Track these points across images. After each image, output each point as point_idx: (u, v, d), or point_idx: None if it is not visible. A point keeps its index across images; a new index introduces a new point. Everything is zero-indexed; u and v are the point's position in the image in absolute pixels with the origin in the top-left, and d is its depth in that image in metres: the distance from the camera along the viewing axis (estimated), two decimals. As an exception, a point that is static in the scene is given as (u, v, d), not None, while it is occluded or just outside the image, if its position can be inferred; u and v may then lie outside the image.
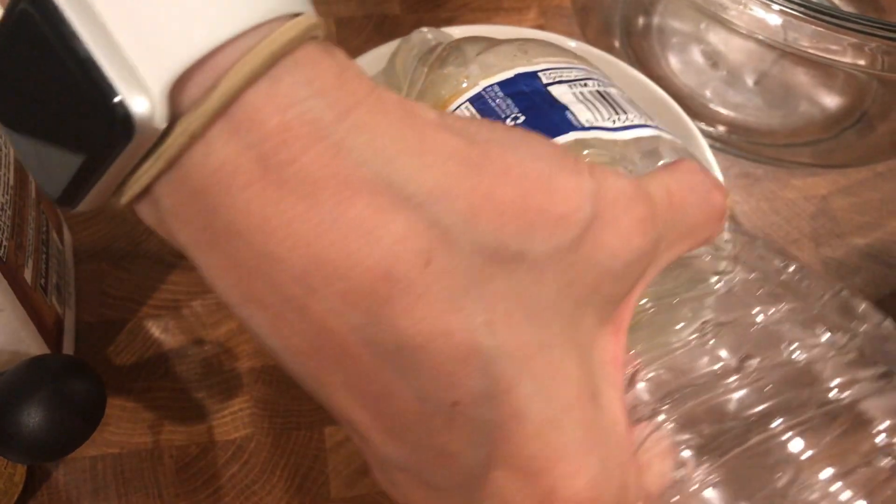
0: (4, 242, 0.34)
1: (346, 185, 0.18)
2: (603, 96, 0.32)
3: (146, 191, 0.19)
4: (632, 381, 0.24)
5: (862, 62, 0.45)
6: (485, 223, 0.18)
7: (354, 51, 0.44)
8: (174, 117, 0.17)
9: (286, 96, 0.18)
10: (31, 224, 0.38)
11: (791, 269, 0.28)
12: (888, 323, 0.26)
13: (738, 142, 0.54)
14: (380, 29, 0.57)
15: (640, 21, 0.58)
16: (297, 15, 0.18)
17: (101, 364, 0.43)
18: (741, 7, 0.44)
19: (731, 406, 0.24)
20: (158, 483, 0.40)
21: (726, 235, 0.28)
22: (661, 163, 0.31)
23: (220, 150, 0.18)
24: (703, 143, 0.43)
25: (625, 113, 0.32)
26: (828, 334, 0.25)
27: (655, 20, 0.58)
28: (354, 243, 0.17)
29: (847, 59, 0.43)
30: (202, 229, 0.19)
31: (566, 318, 0.20)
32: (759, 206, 0.52)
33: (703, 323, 0.25)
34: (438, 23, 0.56)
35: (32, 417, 0.30)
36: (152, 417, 0.41)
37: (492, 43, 0.35)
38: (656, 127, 0.32)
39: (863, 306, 0.26)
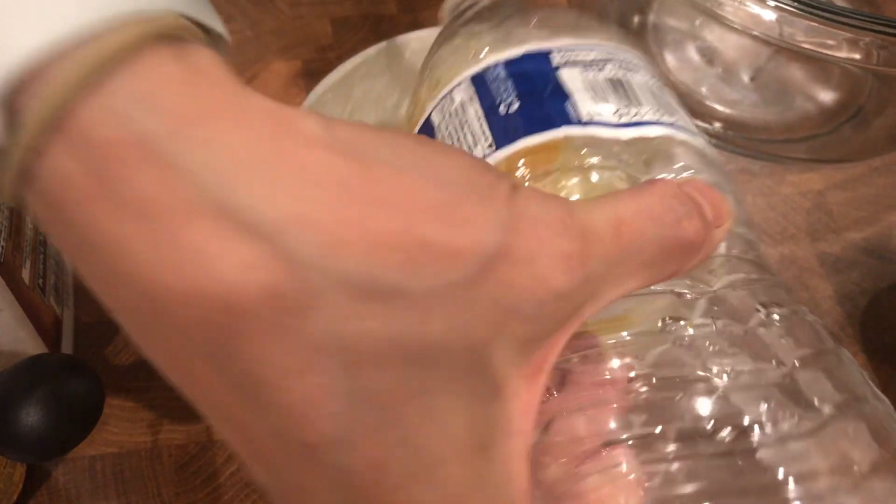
0: (2, 243, 0.34)
1: (184, 208, 0.16)
2: (618, 84, 0.29)
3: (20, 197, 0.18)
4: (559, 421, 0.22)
5: (857, 57, 0.45)
6: (351, 256, 0.16)
7: (351, 51, 0.44)
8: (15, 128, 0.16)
9: (118, 110, 0.16)
10: (28, 224, 0.38)
11: (775, 318, 0.25)
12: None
13: (734, 138, 0.54)
14: (376, 29, 0.58)
15: (636, 19, 0.59)
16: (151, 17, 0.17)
17: (100, 364, 0.43)
18: (736, 3, 0.44)
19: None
20: (158, 482, 0.40)
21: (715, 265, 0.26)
22: (676, 166, 0.28)
23: (62, 164, 0.16)
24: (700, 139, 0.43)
25: (638, 106, 0.29)
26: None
27: (651, 18, 0.58)
28: (193, 272, 0.16)
29: (842, 55, 0.44)
30: (66, 240, 0.18)
31: (457, 362, 0.18)
32: (756, 202, 0.52)
33: (632, 378, 0.23)
34: (435, 23, 0.56)
35: (30, 416, 0.30)
36: (151, 417, 0.42)
37: (519, 8, 0.32)
38: (673, 125, 0.29)
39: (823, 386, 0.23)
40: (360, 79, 0.44)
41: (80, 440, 0.31)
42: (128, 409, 0.42)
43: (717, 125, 0.54)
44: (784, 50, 0.51)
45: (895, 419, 0.24)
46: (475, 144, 0.28)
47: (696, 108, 0.54)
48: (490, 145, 0.28)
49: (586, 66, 0.29)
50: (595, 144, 0.27)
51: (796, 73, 0.56)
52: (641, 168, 0.27)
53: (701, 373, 0.23)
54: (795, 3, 0.42)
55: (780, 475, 0.21)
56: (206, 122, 0.16)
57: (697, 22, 0.57)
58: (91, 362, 0.42)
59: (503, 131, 0.28)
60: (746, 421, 0.22)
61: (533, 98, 0.29)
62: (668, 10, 0.58)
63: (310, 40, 0.56)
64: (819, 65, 0.55)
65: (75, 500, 0.39)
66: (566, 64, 0.29)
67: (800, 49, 0.44)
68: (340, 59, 0.46)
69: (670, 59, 0.57)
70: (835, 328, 0.48)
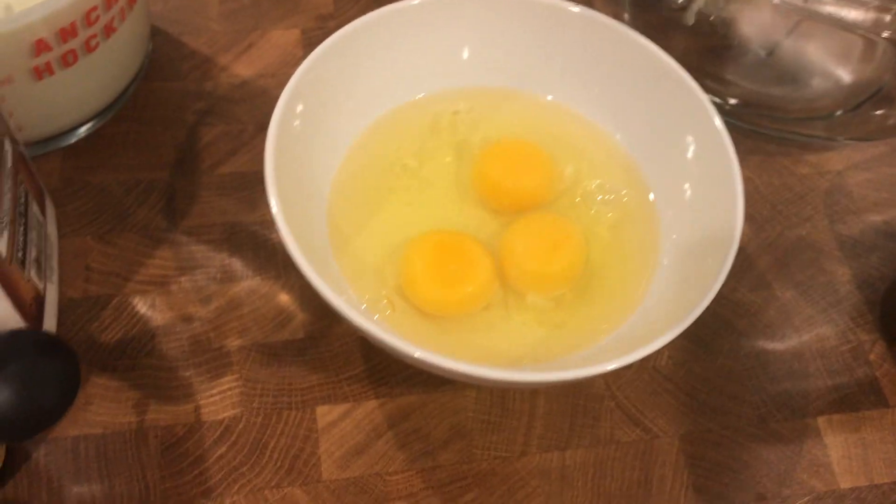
0: (-24, 212, 0.32)
1: None
2: None
3: None
4: None
5: (886, 34, 0.43)
6: None
7: (351, 20, 0.42)
8: None
9: None
10: (6, 195, 0.36)
11: None
12: None
13: (750, 115, 0.52)
14: (379, -3, 0.55)
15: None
16: None
17: (85, 341, 0.41)
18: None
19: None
20: (142, 464, 0.38)
21: None
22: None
23: None
24: (715, 116, 0.40)
25: None
26: None
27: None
28: None
29: (869, 24, 0.41)
30: None
31: None
32: (772, 182, 0.50)
33: None
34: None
35: (2, 394, 0.28)
36: (137, 396, 0.40)
37: None
38: None
39: None
40: (360, 43, 0.42)
41: (56, 421, 0.30)
42: (113, 389, 0.40)
43: (733, 101, 0.52)
44: (803, 24, 0.49)
45: None
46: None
47: (710, 84, 0.52)
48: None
49: None
50: None
51: (815, 49, 0.54)
52: None
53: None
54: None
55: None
56: None
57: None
58: (75, 340, 0.41)
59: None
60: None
61: None
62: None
63: (309, 9, 0.54)
64: (839, 41, 0.52)
65: (56, 482, 0.37)
66: None
67: (824, 19, 0.42)
68: (341, 28, 0.44)
69: (686, 31, 0.55)
70: (853, 314, 0.46)
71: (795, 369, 0.44)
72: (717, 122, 0.40)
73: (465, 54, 0.45)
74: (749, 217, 0.48)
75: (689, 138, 0.42)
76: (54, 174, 0.46)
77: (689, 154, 0.42)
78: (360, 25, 0.42)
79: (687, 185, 0.42)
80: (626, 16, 0.55)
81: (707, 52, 0.53)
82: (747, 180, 0.50)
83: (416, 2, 0.43)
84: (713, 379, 0.43)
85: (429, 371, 0.34)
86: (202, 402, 0.40)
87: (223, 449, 0.39)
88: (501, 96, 0.46)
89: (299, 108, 0.39)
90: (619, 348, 0.38)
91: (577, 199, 0.43)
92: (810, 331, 0.45)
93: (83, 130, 0.47)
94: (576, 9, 0.43)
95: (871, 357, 0.44)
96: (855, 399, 0.43)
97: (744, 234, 0.47)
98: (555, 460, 0.40)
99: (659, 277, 0.41)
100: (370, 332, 0.33)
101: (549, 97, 0.46)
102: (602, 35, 0.43)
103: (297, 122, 0.39)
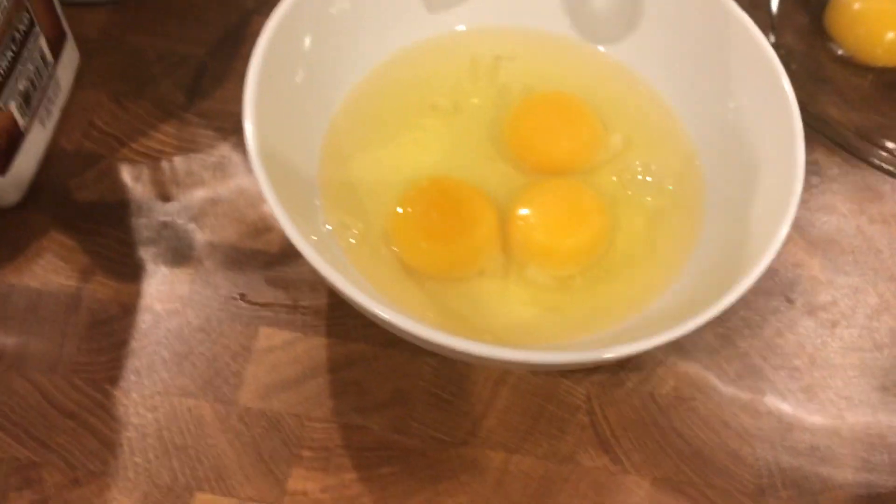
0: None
1: None
2: None
3: None
4: None
5: None
6: None
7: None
8: None
9: None
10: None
11: None
12: None
13: (858, 144, 0.43)
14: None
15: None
16: None
17: (59, 194, 0.39)
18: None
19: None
20: (64, 332, 0.36)
21: None
22: None
23: None
24: (798, 127, 0.33)
25: None
26: None
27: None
28: None
29: None
30: None
31: None
32: (870, 231, 0.41)
33: None
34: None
35: None
36: (87, 262, 0.37)
37: None
38: None
39: None
40: None
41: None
42: (67, 248, 0.38)
43: (843, 129, 0.43)
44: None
45: None
46: None
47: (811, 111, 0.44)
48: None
49: None
50: None
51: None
52: None
53: None
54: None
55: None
56: None
57: None
58: (51, 191, 0.39)
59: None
60: None
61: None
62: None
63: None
64: None
65: (-25, 323, 0.36)
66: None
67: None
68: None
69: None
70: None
71: (823, 447, 0.36)
72: (798, 125, 0.33)
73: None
74: (827, 254, 0.40)
75: (766, 139, 0.35)
76: (95, 25, 0.44)
77: (760, 157, 0.35)
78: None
79: (743, 193, 0.35)
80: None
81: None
82: (843, 217, 0.41)
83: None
84: (718, 427, 0.36)
85: (374, 321, 0.29)
86: (147, 287, 0.37)
87: (148, 341, 0.36)
88: (552, 43, 0.40)
89: (304, 12, 0.35)
90: (606, 342, 0.32)
91: (614, 177, 0.37)
92: (858, 408, 0.36)
93: (137, -12, 0.45)
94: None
95: (926, 460, 0.36)
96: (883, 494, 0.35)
97: (813, 274, 0.39)
98: (497, 460, 0.34)
99: (682, 283, 0.34)
100: (302, 248, 0.29)
101: (611, 53, 0.40)
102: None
103: (304, 24, 0.35)
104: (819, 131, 0.43)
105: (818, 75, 0.45)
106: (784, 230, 0.31)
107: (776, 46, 0.38)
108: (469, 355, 0.28)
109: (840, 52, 0.46)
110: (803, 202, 0.36)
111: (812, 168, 0.41)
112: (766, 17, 0.46)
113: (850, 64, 0.46)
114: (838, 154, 0.43)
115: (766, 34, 0.36)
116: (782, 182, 0.32)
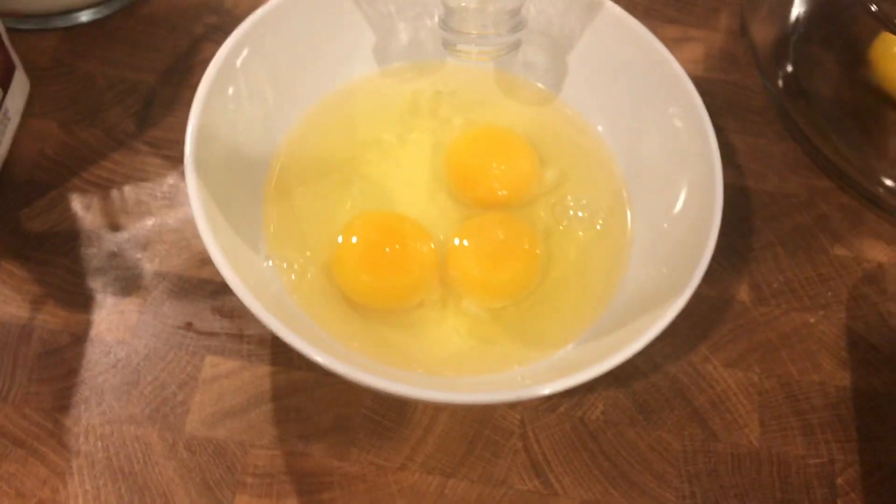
0: None
1: None
2: None
3: None
4: None
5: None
6: None
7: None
8: None
9: None
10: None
11: None
12: None
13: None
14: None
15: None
16: None
17: (10, 224, 0.40)
18: None
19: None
20: (16, 362, 0.37)
21: None
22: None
23: None
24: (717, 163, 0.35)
25: None
26: None
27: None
28: None
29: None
30: None
31: None
32: (797, 255, 0.43)
33: None
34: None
35: None
36: (38, 292, 0.38)
37: None
38: None
39: None
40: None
41: None
42: (17, 279, 0.39)
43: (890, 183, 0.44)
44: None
45: None
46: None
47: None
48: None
49: None
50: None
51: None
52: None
53: None
54: None
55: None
56: None
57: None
58: (2, 218, 0.40)
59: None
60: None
61: None
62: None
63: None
64: None
65: (-74, 354, 0.37)
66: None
67: None
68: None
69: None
70: (836, 426, 0.39)
71: (744, 469, 0.38)
72: (717, 170, 0.35)
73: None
74: (755, 285, 0.42)
75: (684, 183, 0.37)
76: (47, 53, 0.45)
77: (680, 200, 0.36)
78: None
79: (667, 225, 0.36)
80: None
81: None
82: (768, 245, 0.43)
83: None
84: (644, 451, 0.38)
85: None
86: (98, 317, 0.38)
87: (99, 370, 0.37)
88: (492, 79, 0.41)
89: (246, 52, 0.36)
90: (535, 377, 0.34)
91: (548, 211, 0.38)
92: (779, 430, 0.38)
93: (86, 16, 0.45)
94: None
95: (839, 481, 0.38)
96: (801, 522, 0.37)
97: (743, 302, 0.41)
98: (434, 485, 0.36)
99: (612, 313, 0.36)
100: (233, 286, 0.30)
101: (548, 89, 0.41)
102: (621, 36, 0.38)
103: (247, 62, 0.36)
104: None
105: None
106: (704, 262, 0.33)
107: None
108: (401, 396, 0.30)
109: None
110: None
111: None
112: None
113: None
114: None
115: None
116: (704, 212, 0.34)
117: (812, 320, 0.41)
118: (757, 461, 0.38)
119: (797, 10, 0.48)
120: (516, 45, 0.37)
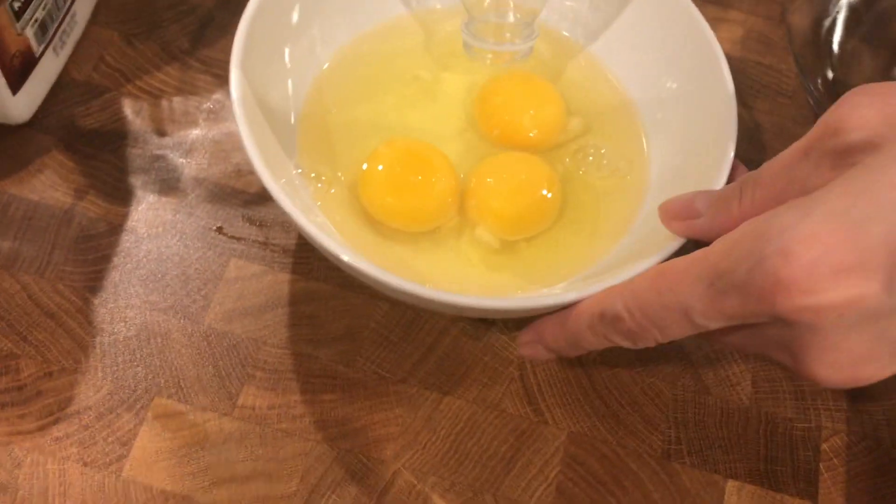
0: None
1: None
2: None
3: None
4: None
5: None
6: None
7: None
8: None
9: None
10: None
11: None
12: None
13: None
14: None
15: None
16: None
17: (65, 119, 0.43)
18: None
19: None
20: (55, 242, 0.39)
21: None
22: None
23: None
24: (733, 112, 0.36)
25: None
26: None
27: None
28: None
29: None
30: None
31: None
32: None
33: None
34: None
35: None
36: (83, 182, 0.41)
37: None
38: None
39: None
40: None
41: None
42: (67, 168, 0.41)
43: None
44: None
45: None
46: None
47: None
48: None
49: None
50: None
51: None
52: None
53: None
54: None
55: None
56: None
57: None
58: (57, 116, 0.42)
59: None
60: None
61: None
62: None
63: None
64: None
65: (-25, 225, 0.39)
66: None
67: None
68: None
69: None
70: (830, 394, 0.40)
71: (733, 423, 0.39)
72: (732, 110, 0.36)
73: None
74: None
75: (707, 123, 0.38)
76: (117, -32, 0.48)
77: (701, 137, 0.38)
78: None
79: (681, 178, 0.38)
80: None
81: None
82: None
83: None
84: (636, 394, 0.39)
85: (334, 263, 0.33)
86: (135, 211, 0.41)
87: (130, 259, 0.39)
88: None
89: None
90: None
91: (569, 157, 0.40)
92: (770, 392, 0.40)
93: (157, -62, 0.48)
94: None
95: (824, 447, 0.39)
96: (782, 479, 0.38)
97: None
98: (430, 400, 0.38)
99: (613, 256, 0.37)
100: (268, 185, 0.32)
101: (581, 42, 0.43)
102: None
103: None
104: None
105: None
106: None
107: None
108: (411, 296, 0.32)
109: None
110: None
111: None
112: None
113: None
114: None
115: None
116: (716, 161, 0.36)
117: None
118: (745, 418, 0.39)
119: (840, 8, 0.49)
120: (529, 51, 0.39)
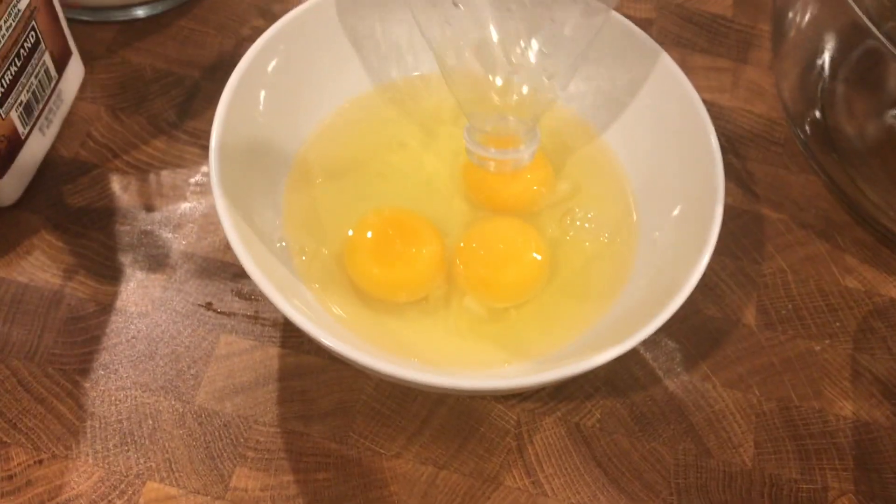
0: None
1: None
2: None
3: None
4: None
5: None
6: None
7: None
8: None
9: None
10: (6, 31, 0.37)
11: None
12: None
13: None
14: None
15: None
16: None
17: (53, 198, 0.42)
18: None
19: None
20: (44, 324, 0.39)
21: None
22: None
23: None
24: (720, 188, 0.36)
25: None
26: None
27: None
28: None
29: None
30: None
31: None
32: (808, 284, 0.44)
33: None
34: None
35: None
36: (71, 262, 0.41)
37: None
38: None
39: None
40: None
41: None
42: (55, 248, 0.41)
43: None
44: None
45: None
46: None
47: None
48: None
49: None
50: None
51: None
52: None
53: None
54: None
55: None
56: None
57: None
58: (45, 195, 0.42)
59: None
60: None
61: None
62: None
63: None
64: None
65: (-37, 311, 0.39)
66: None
67: None
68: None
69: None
70: (833, 454, 0.39)
71: (735, 487, 0.38)
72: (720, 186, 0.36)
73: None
74: (762, 310, 0.42)
75: (689, 204, 0.38)
76: (103, 43, 0.48)
77: (683, 220, 0.37)
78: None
79: (668, 242, 0.37)
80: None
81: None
82: (779, 272, 0.44)
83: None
84: (636, 460, 0.38)
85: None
86: (124, 289, 0.40)
87: (120, 339, 0.39)
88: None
89: (277, 53, 0.39)
90: (521, 373, 0.35)
91: (557, 221, 0.40)
92: (773, 453, 0.39)
93: (143, 11, 0.48)
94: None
95: (831, 508, 0.38)
96: (787, 545, 0.37)
97: (748, 325, 0.42)
98: (426, 475, 0.37)
99: (606, 323, 0.37)
100: (247, 268, 0.32)
101: (567, 105, 0.43)
102: (640, 58, 0.40)
103: (276, 66, 0.39)
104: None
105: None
106: (699, 272, 0.33)
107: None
108: (393, 379, 0.31)
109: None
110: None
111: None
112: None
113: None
114: (786, 211, 0.46)
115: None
116: (702, 229, 0.35)
117: (817, 348, 0.42)
118: (749, 481, 0.38)
119: (825, 51, 0.49)
120: (531, 157, 0.39)
